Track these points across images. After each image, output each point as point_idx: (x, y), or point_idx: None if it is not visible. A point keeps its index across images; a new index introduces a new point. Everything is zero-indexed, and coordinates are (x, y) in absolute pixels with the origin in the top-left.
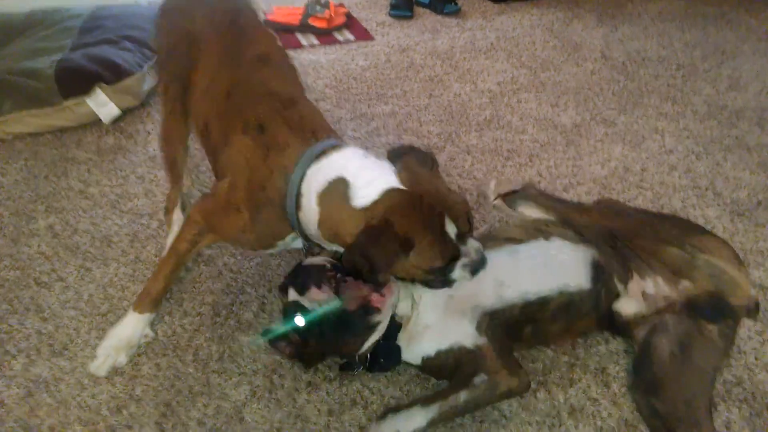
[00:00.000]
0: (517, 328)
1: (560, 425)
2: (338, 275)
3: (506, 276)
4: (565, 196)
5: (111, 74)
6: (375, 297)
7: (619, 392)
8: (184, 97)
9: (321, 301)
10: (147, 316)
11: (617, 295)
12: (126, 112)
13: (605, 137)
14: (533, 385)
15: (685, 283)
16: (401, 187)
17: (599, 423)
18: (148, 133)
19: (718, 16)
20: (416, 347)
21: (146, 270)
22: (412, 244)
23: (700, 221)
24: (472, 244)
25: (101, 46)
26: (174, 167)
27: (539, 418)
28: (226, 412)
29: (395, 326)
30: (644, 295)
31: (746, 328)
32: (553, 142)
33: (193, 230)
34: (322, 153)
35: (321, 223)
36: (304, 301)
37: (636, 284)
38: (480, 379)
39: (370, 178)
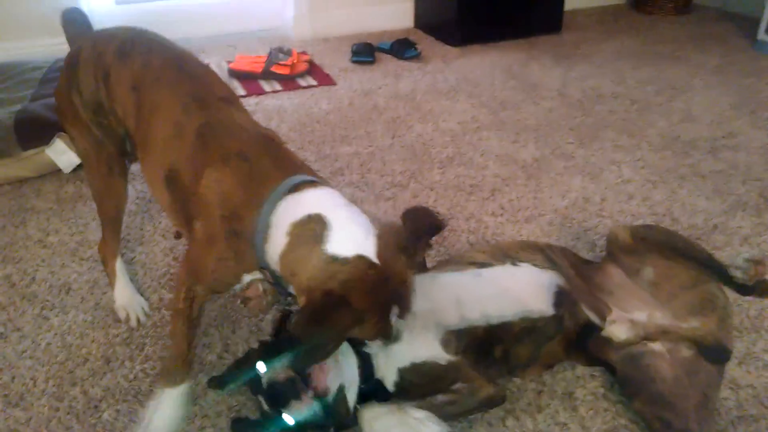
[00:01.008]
0: (487, 347)
1: None
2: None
3: (468, 297)
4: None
5: None
6: (312, 385)
7: (587, 416)
8: (121, 154)
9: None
10: (182, 388)
11: (586, 324)
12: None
13: (564, 170)
14: (501, 413)
15: (694, 323)
16: (373, 259)
17: None
18: None
19: (669, 53)
20: (391, 361)
21: (106, 316)
22: (362, 321)
23: None
24: (399, 323)
25: None
26: (116, 222)
27: None
28: None
29: (369, 366)
30: (632, 322)
31: None
32: (514, 176)
33: (182, 288)
34: (300, 186)
35: (284, 255)
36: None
37: (619, 313)
38: (459, 385)
39: (349, 232)
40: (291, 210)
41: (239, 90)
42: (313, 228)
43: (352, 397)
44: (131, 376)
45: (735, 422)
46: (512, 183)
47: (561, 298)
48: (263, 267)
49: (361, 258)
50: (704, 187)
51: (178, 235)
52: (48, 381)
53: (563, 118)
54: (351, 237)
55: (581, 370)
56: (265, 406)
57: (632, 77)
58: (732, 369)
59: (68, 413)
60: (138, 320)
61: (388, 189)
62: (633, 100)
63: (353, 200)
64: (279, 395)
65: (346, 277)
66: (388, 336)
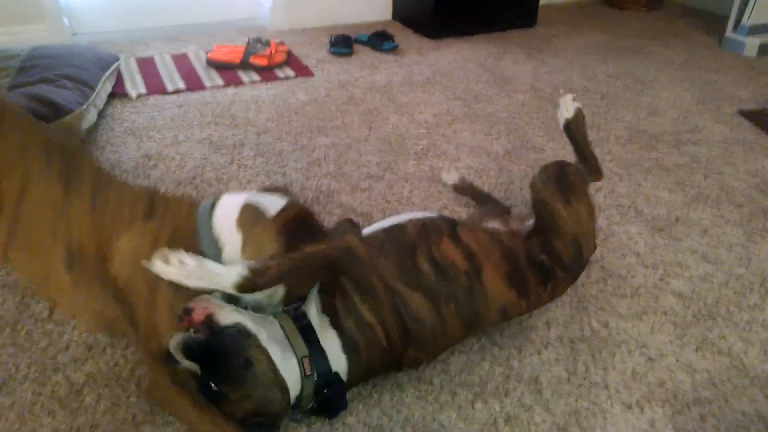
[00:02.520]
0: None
1: None
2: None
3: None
4: None
5: (50, 112)
6: (193, 314)
7: (551, 398)
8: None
9: (179, 342)
10: None
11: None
12: None
13: (535, 163)
14: (470, 397)
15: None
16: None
17: (533, 428)
18: None
19: (638, 49)
20: None
21: None
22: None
23: (623, 237)
24: None
25: (39, 85)
26: None
27: (477, 427)
28: None
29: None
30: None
31: (666, 333)
32: (487, 168)
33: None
34: (213, 203)
35: (245, 246)
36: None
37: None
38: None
39: (271, 198)
40: (226, 216)
41: (217, 80)
42: (251, 212)
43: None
44: (112, 363)
45: (690, 404)
46: (485, 174)
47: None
48: None
49: (289, 203)
50: (668, 179)
51: None
52: (30, 367)
53: (534, 111)
54: (274, 200)
55: (546, 354)
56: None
57: (602, 72)
58: (689, 354)
59: (51, 398)
60: None
61: (364, 180)
62: (602, 95)
63: (330, 192)
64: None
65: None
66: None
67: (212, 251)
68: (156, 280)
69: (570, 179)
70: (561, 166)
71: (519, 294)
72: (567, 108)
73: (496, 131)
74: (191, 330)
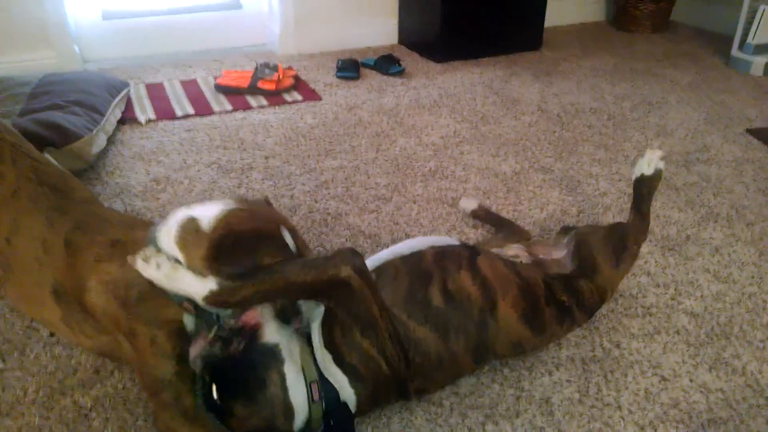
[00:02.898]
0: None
1: None
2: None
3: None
4: None
5: (59, 138)
6: (242, 318)
7: (563, 420)
8: None
9: (199, 354)
10: None
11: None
12: (74, 175)
13: (543, 183)
14: (481, 419)
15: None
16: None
17: None
18: (98, 194)
19: (645, 70)
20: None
21: None
22: (260, 242)
23: None
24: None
25: (49, 111)
26: None
27: None
28: None
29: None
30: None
31: (679, 353)
32: (495, 189)
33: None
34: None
35: (188, 263)
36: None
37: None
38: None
39: (205, 207)
40: (167, 235)
41: (226, 105)
42: (187, 227)
43: (292, 381)
44: (120, 386)
45: (705, 425)
46: (493, 195)
47: (466, 243)
48: (183, 302)
49: (226, 210)
50: (677, 199)
51: None
52: (38, 391)
53: (542, 132)
54: (209, 208)
55: (558, 375)
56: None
57: (610, 93)
58: (702, 374)
59: (59, 422)
60: None
61: (372, 202)
62: (610, 115)
63: (338, 214)
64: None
65: (223, 221)
66: (291, 251)
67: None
68: (129, 308)
69: (629, 246)
70: (626, 231)
71: (534, 332)
72: (650, 164)
73: (504, 152)
74: (215, 333)
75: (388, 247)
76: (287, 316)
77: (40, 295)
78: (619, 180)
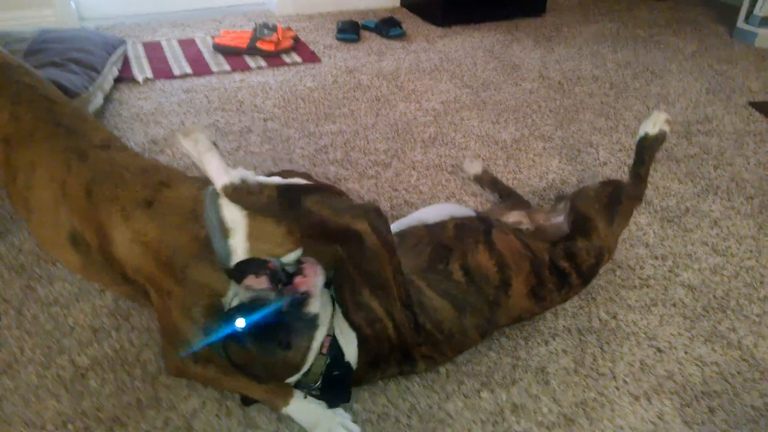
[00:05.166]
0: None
1: (503, 422)
2: (278, 273)
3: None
4: None
5: None
6: (297, 279)
7: (558, 389)
8: None
9: (257, 290)
10: (294, 402)
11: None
12: None
13: (543, 151)
14: (477, 386)
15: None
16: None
17: (540, 418)
18: None
19: (648, 38)
20: None
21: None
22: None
23: (633, 228)
24: None
25: (47, 68)
26: None
27: (483, 416)
28: (175, 424)
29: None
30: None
31: (676, 325)
32: (495, 157)
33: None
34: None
35: (250, 232)
36: (244, 294)
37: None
38: None
39: (274, 180)
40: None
41: (224, 65)
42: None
43: (316, 343)
44: (118, 347)
45: (699, 397)
46: (492, 163)
47: (480, 214)
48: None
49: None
50: (678, 170)
51: None
52: (35, 350)
53: (543, 99)
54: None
55: (554, 345)
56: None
57: (612, 60)
58: (698, 347)
59: (56, 381)
60: None
61: (371, 167)
62: (611, 83)
63: (337, 179)
64: (243, 268)
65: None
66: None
67: (218, 237)
68: (171, 272)
69: (623, 203)
70: (618, 188)
71: (537, 304)
72: (655, 124)
73: (504, 119)
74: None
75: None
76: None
77: (59, 238)
78: (620, 150)
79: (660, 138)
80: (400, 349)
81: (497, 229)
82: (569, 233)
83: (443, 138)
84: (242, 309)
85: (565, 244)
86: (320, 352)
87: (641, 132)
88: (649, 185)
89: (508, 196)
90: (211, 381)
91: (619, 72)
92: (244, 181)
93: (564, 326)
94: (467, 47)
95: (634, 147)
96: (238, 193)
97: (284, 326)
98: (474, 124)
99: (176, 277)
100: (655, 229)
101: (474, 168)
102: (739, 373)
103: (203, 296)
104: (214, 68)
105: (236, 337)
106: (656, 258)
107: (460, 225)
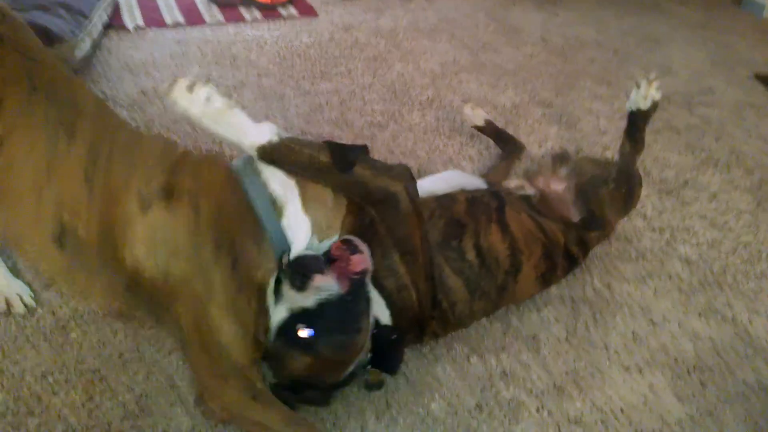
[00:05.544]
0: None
1: (492, 387)
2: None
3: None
4: None
5: (43, 40)
6: (355, 259)
7: (549, 356)
8: None
9: (324, 288)
10: None
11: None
12: None
13: (542, 118)
14: (466, 351)
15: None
16: None
17: (529, 386)
18: None
19: (653, 5)
20: None
21: None
22: None
23: None
24: None
25: (33, 11)
26: None
27: (472, 381)
28: (156, 378)
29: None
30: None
31: (671, 298)
32: (493, 121)
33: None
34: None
35: (305, 198)
36: (305, 298)
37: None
38: None
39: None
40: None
41: (218, 16)
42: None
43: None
44: None
45: (691, 371)
46: None
47: (489, 184)
48: (283, 251)
49: None
50: (678, 141)
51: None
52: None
53: (543, 64)
54: None
55: (546, 313)
56: (288, 286)
57: (615, 27)
58: (692, 321)
59: (36, 331)
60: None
61: (367, 129)
62: (614, 50)
63: (332, 139)
64: (300, 269)
65: None
66: None
67: (271, 215)
68: (207, 282)
69: (634, 195)
70: (632, 185)
71: (543, 287)
72: (646, 98)
73: (504, 83)
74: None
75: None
76: None
77: (38, 233)
78: (621, 118)
79: (653, 108)
80: (418, 321)
81: (510, 206)
82: (582, 223)
83: (441, 101)
84: (310, 315)
85: (579, 231)
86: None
87: (632, 107)
88: (647, 156)
89: (507, 144)
90: (274, 428)
91: (623, 39)
92: (281, 137)
93: (557, 295)
94: (467, 7)
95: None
96: (278, 152)
97: (351, 314)
98: (473, 87)
99: (225, 281)
100: (653, 201)
101: (477, 119)
102: (732, 348)
103: (251, 286)
104: (207, 19)
105: (307, 347)
106: (654, 230)
107: (471, 199)
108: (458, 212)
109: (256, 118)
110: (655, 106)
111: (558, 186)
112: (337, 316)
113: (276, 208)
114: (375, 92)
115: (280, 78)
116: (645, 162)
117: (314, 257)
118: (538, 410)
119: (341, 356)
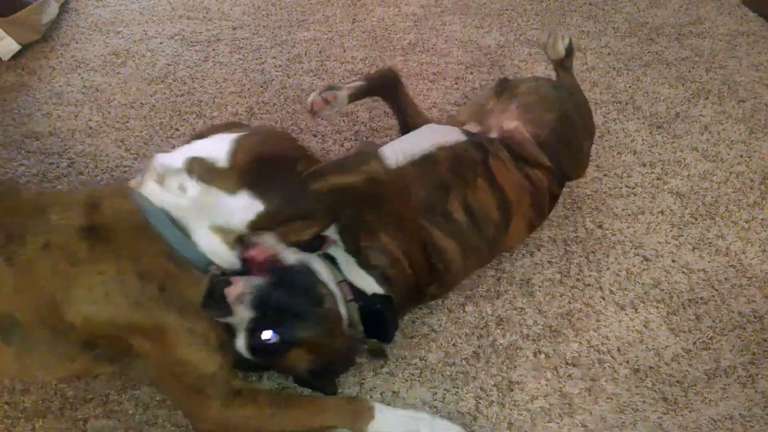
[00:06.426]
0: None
1: (488, 335)
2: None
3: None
4: None
5: (4, 5)
6: (253, 252)
7: (543, 300)
8: None
9: (247, 289)
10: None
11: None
12: (26, 48)
13: (529, 57)
14: (461, 299)
15: None
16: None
17: (525, 330)
18: (52, 68)
19: None
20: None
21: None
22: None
23: (621, 135)
24: None
25: None
26: None
27: (468, 330)
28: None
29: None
30: None
31: (663, 233)
32: (478, 63)
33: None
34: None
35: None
36: (242, 312)
37: None
38: None
39: (211, 142)
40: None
41: None
42: (201, 165)
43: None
44: None
45: (685, 305)
46: (476, 71)
47: (470, 133)
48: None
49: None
50: (668, 74)
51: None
52: None
53: (528, 2)
54: (220, 141)
55: (539, 257)
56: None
57: None
58: (685, 254)
59: None
60: None
61: (349, 77)
62: None
63: (312, 90)
64: (211, 293)
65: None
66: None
67: (179, 240)
68: (147, 311)
69: (589, 123)
70: (583, 107)
71: (529, 233)
72: (560, 49)
73: (488, 24)
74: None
75: (366, 126)
76: (313, 245)
77: None
78: (609, 54)
79: (572, 49)
80: (416, 288)
81: (493, 156)
82: (563, 172)
83: (424, 44)
84: (260, 319)
85: (561, 176)
86: (346, 300)
87: (554, 56)
88: (638, 90)
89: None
90: (269, 419)
91: None
92: (270, 204)
93: (549, 237)
94: None
95: (622, 51)
96: (270, 216)
97: (296, 291)
98: (456, 28)
99: (157, 305)
100: (643, 135)
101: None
102: (726, 279)
103: (196, 310)
104: None
105: (284, 343)
106: (644, 165)
107: (454, 157)
108: (440, 174)
109: (234, 72)
110: (572, 47)
111: (510, 122)
112: (284, 302)
113: (186, 232)
114: (355, 39)
115: (256, 29)
116: (635, 97)
117: (212, 278)
118: (535, 354)
119: (320, 329)
